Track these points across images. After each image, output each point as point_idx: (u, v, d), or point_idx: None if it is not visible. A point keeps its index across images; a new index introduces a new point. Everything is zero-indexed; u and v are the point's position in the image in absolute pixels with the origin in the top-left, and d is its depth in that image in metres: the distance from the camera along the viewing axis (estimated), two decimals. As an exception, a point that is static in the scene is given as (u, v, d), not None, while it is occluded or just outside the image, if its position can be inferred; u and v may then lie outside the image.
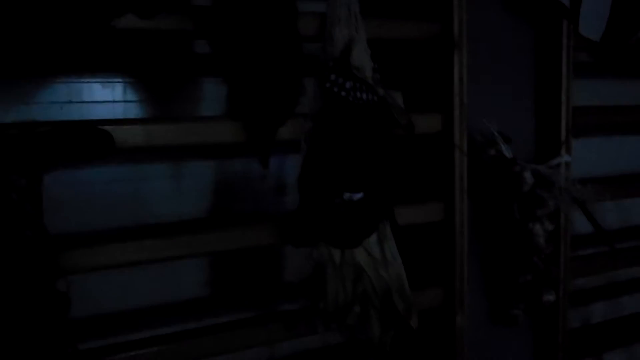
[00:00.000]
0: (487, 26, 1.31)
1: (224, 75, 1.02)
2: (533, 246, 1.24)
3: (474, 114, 1.26)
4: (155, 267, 1.18)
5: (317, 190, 1.04)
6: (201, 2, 0.98)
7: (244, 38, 0.98)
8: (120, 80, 1.17)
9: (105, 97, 1.16)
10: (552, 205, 1.21)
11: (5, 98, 1.08)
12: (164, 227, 1.20)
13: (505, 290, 1.31)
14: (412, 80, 1.27)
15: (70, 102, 1.13)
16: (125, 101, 1.18)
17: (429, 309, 1.26)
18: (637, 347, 1.79)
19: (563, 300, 1.40)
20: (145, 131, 0.98)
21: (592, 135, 1.58)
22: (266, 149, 1.01)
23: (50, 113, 1.10)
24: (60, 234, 0.94)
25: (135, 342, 1.05)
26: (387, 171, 1.09)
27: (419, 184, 1.30)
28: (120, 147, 0.93)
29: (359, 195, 1.06)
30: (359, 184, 1.06)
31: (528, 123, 1.40)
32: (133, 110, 1.19)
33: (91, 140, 0.90)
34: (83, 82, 1.14)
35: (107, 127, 0.92)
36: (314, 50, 1.07)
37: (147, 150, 1.17)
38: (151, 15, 0.92)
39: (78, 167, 1.13)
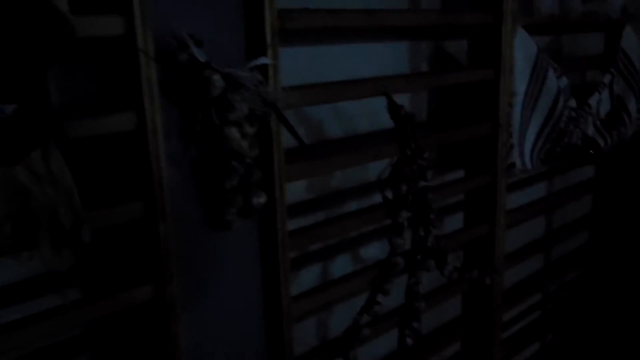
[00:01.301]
0: None
1: None
2: (231, 150, 1.24)
3: (166, 16, 1.19)
4: None
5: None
6: None
7: None
8: None
9: None
10: (244, 109, 1.20)
11: None
12: None
13: (215, 196, 1.31)
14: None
15: None
16: None
17: (131, 221, 1.23)
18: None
19: (280, 201, 1.44)
20: None
21: (308, 44, 1.59)
22: None
23: None
24: None
25: None
26: (46, 79, 1.00)
27: (112, 93, 1.22)
28: None
29: (10, 108, 0.96)
30: (8, 94, 0.96)
31: (236, 25, 1.36)
32: None
33: None
34: None
35: None
36: None
37: None
38: None
39: None
